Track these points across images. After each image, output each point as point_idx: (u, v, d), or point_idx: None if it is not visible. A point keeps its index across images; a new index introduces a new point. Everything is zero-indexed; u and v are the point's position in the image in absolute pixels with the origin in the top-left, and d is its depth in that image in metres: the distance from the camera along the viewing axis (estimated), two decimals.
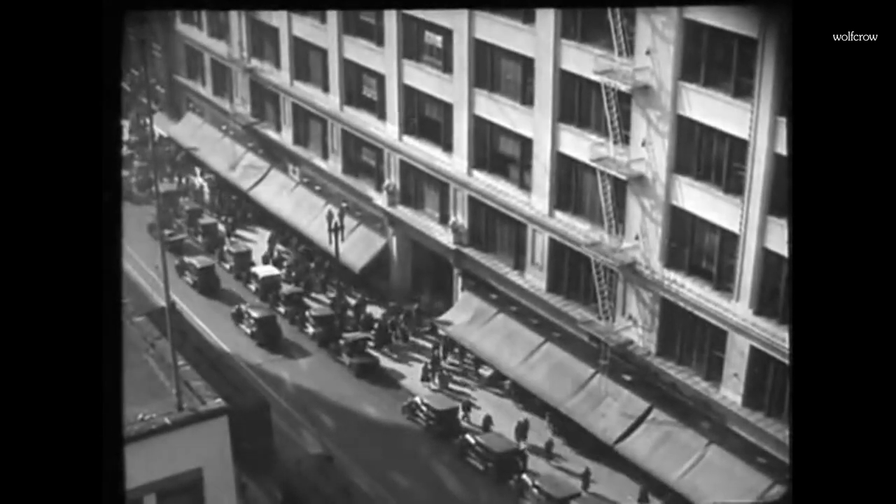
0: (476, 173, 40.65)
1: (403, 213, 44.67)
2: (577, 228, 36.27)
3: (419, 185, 44.33)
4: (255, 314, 42.71)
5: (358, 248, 46.51)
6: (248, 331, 42.82)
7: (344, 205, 47.65)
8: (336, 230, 43.65)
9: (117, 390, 8.64)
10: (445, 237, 42.21)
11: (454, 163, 41.52)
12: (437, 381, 39.46)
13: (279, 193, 52.20)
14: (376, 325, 42.68)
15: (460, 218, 41.69)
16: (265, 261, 48.31)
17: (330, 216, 44.29)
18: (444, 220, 42.82)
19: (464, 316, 41.08)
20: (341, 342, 41.69)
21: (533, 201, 38.03)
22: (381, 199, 45.73)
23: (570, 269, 37.43)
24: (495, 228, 40.59)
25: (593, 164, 34.54)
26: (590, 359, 36.32)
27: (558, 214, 37.17)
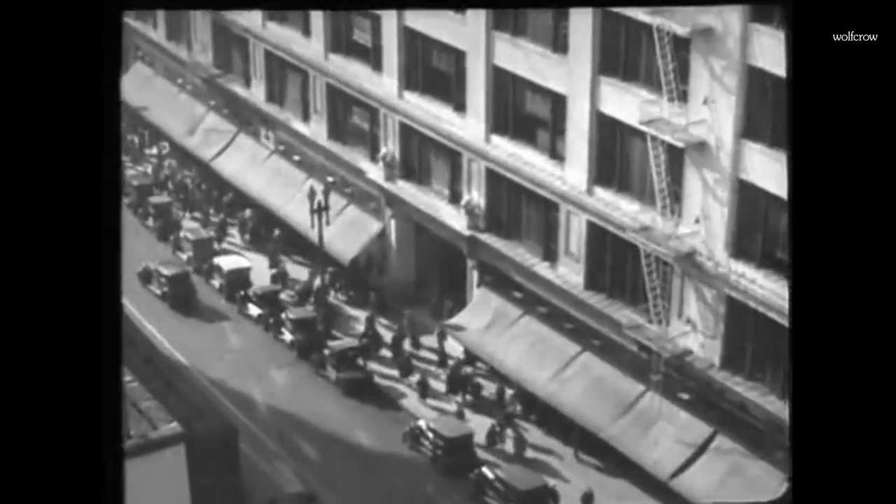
0: (495, 139, 41.14)
1: (404, 189, 45.23)
2: (622, 209, 36.73)
3: (424, 154, 44.81)
4: (165, 272, 46.49)
5: (347, 233, 47.06)
6: (158, 291, 46.31)
7: (330, 179, 48.20)
8: (320, 211, 44.21)
9: (117, 400, 10.82)
10: (457, 220, 42.77)
11: (468, 126, 42.01)
12: (511, 444, 38.25)
13: (249, 164, 52.79)
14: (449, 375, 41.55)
15: (476, 196, 42.23)
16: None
17: (312, 194, 44.87)
18: (455, 198, 43.32)
19: (480, 319, 41.62)
20: (326, 352, 42.37)
21: (567, 175, 38.53)
22: (376, 173, 46.29)
23: (613, 261, 37.87)
24: (520, 209, 41.04)
25: (643, 128, 34.93)
26: (638, 373, 36.86)
27: (599, 191, 37.66)
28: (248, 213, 51.91)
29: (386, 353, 43.47)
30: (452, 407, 40.25)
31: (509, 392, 40.75)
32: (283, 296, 46.66)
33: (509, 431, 38.81)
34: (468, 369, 41.77)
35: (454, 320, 42.62)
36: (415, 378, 41.60)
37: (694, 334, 35.28)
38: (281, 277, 47.97)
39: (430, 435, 37.90)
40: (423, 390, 40.97)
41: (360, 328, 45.02)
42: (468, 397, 40.68)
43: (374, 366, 42.65)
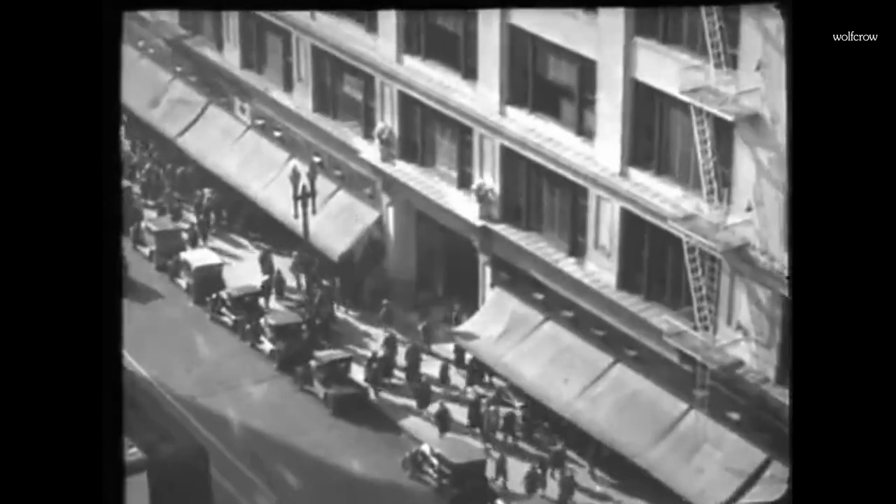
0: (512, 112, 41.19)
1: (404, 171, 45.33)
2: (661, 195, 36.78)
3: (428, 130, 44.87)
4: None
5: (337, 223, 47.15)
6: None
7: (316, 160, 48.30)
8: (304, 197, 44.28)
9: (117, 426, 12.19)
10: (467, 208, 42.87)
11: (479, 97, 42.08)
12: (557, 487, 37.61)
13: (221, 142, 52.89)
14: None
15: (489, 179, 42.34)
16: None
17: (295, 176, 44.95)
18: (464, 182, 43.43)
19: (494, 326, 41.68)
20: (312, 364, 42.43)
21: (597, 154, 38.57)
22: (371, 152, 46.38)
23: (651, 256, 37.94)
24: (541, 195, 41.11)
25: (685, 99, 34.93)
26: (681, 389, 36.94)
27: (634, 174, 37.71)
28: (206, 192, 51.89)
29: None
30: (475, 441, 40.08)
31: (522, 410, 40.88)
32: (279, 306, 46.75)
33: (554, 472, 38.20)
34: (491, 405, 40.91)
35: (463, 327, 42.74)
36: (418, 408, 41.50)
37: (745, 343, 35.30)
38: (276, 285, 47.84)
39: (435, 461, 37.90)
40: (444, 423, 40.28)
41: (357, 334, 45.19)
42: (506, 437, 40.04)
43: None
